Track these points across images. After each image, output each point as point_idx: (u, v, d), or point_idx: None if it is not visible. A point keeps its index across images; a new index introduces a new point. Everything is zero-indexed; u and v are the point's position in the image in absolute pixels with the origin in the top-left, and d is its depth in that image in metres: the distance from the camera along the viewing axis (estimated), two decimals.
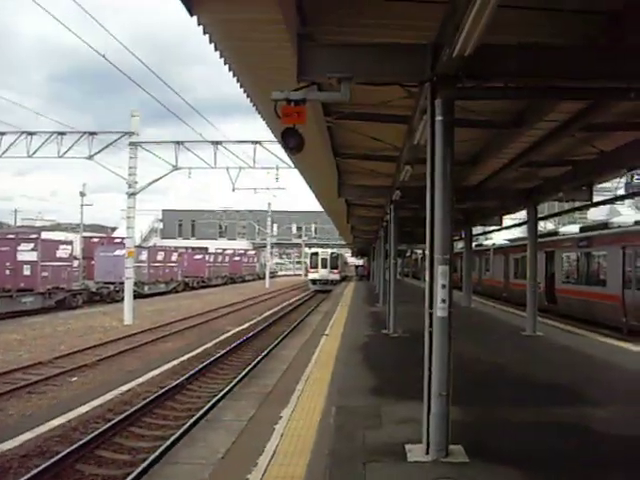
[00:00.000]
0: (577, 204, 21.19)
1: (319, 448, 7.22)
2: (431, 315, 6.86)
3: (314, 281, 65.22)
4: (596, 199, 18.96)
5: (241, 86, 9.83)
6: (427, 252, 7.09)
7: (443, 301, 6.75)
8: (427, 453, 6.79)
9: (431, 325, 6.85)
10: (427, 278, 7.06)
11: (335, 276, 66.64)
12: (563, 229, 34.09)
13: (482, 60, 6.58)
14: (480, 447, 7.14)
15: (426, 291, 7.03)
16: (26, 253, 34.00)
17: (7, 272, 32.95)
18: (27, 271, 33.78)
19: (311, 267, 67.13)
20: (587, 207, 22.77)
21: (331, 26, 7.46)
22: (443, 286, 6.76)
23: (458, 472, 6.38)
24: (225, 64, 8.62)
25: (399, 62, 7.08)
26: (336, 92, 7.21)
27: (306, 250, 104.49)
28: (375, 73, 7.27)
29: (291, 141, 7.56)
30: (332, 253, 68.03)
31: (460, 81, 6.72)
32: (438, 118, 6.88)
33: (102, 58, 19.80)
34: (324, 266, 65.05)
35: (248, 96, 10.46)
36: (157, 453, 9.61)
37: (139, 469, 8.90)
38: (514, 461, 6.73)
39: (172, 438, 10.47)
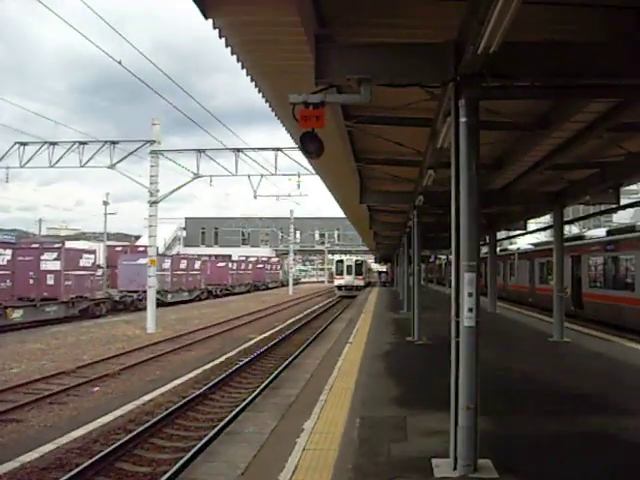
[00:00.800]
0: (603, 207, 20.83)
1: (342, 463, 6.97)
2: (458, 324, 6.59)
3: (340, 287, 68.70)
4: (622, 202, 18.59)
5: (259, 91, 9.68)
6: (453, 259, 6.83)
7: (470, 310, 6.47)
8: (455, 468, 6.52)
9: (458, 335, 6.58)
10: (453, 285, 6.81)
11: (359, 282, 69.77)
12: (589, 233, 33.58)
13: (507, 58, 6.35)
14: (510, 462, 6.86)
15: (452, 299, 6.77)
16: (49, 262, 34.16)
17: (31, 281, 33.08)
18: (51, 280, 33.90)
19: (337, 274, 70.91)
20: (614, 210, 22.34)
21: (350, 27, 7.25)
22: (470, 294, 6.49)
23: None
24: (242, 68, 8.46)
25: (421, 62, 6.84)
26: (356, 94, 6.99)
27: (329, 257, 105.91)
28: (396, 74, 7.02)
29: (310, 145, 7.36)
30: (357, 260, 71.54)
31: (485, 80, 6.46)
32: (462, 119, 6.63)
33: (124, 69, 19.76)
34: (349, 273, 68.69)
35: (267, 101, 10.30)
36: (176, 467, 9.44)
37: None
38: (545, 477, 6.47)
39: (192, 451, 10.31)
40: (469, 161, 6.62)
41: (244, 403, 13.97)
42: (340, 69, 6.88)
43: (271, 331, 30.21)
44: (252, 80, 9.06)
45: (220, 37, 7.13)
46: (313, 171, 22.68)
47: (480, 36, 5.56)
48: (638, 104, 9.20)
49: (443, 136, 9.08)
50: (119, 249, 54.71)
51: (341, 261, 71.85)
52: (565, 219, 20.14)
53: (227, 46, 7.48)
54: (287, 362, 19.90)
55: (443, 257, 65.29)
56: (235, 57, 7.93)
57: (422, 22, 7.13)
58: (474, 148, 6.66)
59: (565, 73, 6.80)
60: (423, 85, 7.69)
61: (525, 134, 11.91)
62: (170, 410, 13.35)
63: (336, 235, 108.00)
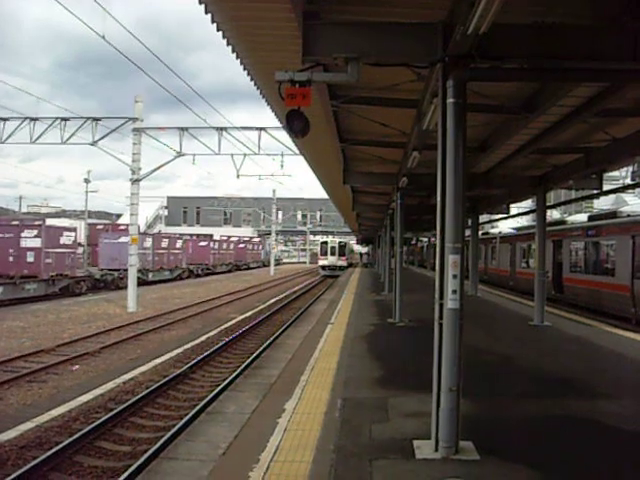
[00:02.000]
0: (586, 192, 20.87)
1: (324, 444, 6.97)
2: (441, 306, 6.58)
3: (323, 267, 72.28)
4: (605, 188, 18.64)
5: (245, 68, 9.56)
6: (437, 241, 6.80)
7: (454, 292, 6.46)
8: (436, 450, 6.54)
9: (441, 317, 6.57)
10: (437, 267, 6.78)
11: (342, 263, 73.06)
12: (570, 218, 33.73)
13: (497, 40, 6.34)
14: (491, 443, 6.88)
15: (436, 281, 6.74)
16: (30, 240, 33.91)
17: (10, 259, 32.89)
18: (31, 258, 33.69)
19: (321, 254, 74.58)
20: (597, 196, 22.38)
21: (339, 4, 7.14)
22: (454, 276, 6.47)
23: (468, 471, 6.12)
24: (228, 45, 8.35)
25: (409, 42, 6.76)
26: (343, 73, 6.90)
27: (311, 238, 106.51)
28: (384, 53, 6.92)
29: (296, 124, 7.27)
30: (340, 242, 74.91)
31: (473, 61, 6.41)
32: (450, 100, 6.57)
33: (108, 45, 19.49)
34: (333, 254, 72.31)
35: (252, 79, 10.18)
36: (156, 446, 9.41)
37: (135, 465, 8.70)
38: (526, 459, 6.47)
39: (173, 430, 10.27)
40: (456, 142, 6.57)
41: (225, 383, 13.94)
42: (327, 47, 6.78)
43: (252, 311, 30.19)
44: (237, 57, 8.94)
45: (206, 13, 7.03)
46: (297, 151, 22.61)
47: (470, 17, 5.50)
48: (624, 89, 9.23)
49: (429, 117, 9.02)
50: (100, 227, 54.57)
51: (325, 242, 75.24)
52: (547, 204, 20.18)
53: (213, 22, 7.38)
54: (268, 342, 19.86)
55: (425, 239, 65.72)
56: (221, 34, 7.82)
57: (411, 1, 7.04)
58: (461, 129, 6.61)
59: (553, 56, 6.75)
60: (411, 65, 7.62)
61: (511, 117, 11.86)
62: (151, 389, 13.31)
63: (318, 216, 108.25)
